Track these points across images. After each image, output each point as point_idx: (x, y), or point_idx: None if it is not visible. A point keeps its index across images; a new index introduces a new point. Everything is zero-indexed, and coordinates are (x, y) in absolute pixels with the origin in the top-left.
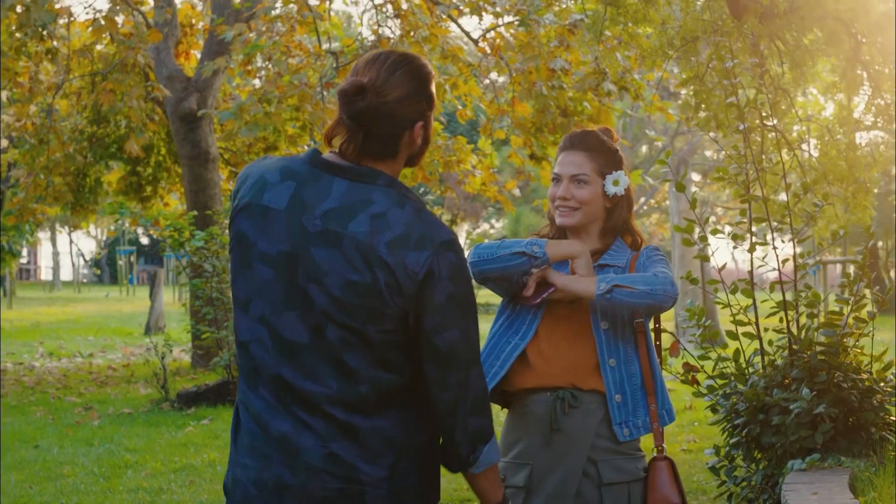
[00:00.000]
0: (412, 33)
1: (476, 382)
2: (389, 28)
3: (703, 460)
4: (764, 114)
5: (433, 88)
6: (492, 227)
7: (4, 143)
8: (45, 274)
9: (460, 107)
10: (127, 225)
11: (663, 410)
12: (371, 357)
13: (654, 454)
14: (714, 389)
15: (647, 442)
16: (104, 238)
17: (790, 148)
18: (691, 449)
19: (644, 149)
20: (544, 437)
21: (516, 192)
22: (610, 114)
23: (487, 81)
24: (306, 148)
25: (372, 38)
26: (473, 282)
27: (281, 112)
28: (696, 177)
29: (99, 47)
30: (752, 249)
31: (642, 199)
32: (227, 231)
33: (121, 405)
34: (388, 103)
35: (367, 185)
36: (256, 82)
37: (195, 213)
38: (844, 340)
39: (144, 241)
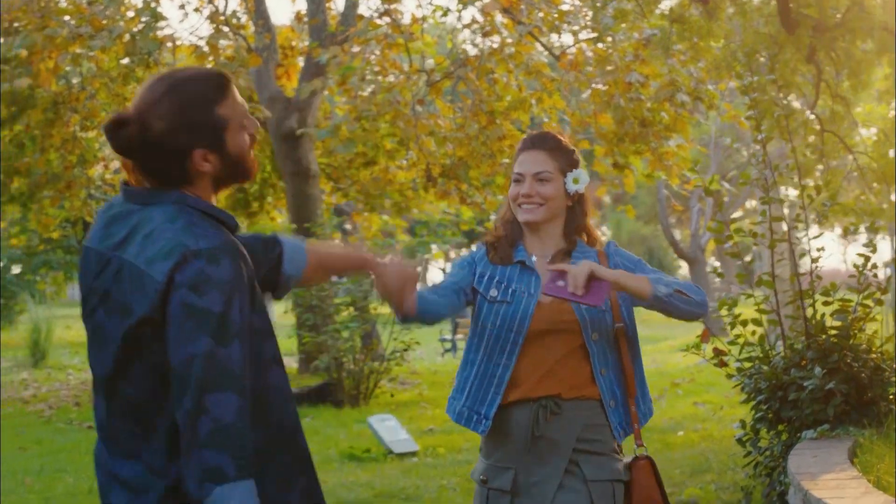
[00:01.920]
0: (500, 51)
1: (218, 412)
2: (477, 46)
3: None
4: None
5: (212, 112)
6: (603, 234)
7: (117, 164)
8: None
9: (546, 119)
10: None
11: (645, 408)
12: (139, 383)
13: (636, 454)
14: (741, 371)
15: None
16: None
17: (849, 151)
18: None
19: (744, 153)
20: (526, 442)
21: (606, 199)
22: (686, 123)
23: (582, 96)
24: (405, 162)
25: (462, 55)
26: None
27: (377, 128)
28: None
29: None
30: (772, 246)
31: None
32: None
33: None
34: (151, 136)
35: (153, 207)
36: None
37: (294, 225)
38: (856, 324)
39: None
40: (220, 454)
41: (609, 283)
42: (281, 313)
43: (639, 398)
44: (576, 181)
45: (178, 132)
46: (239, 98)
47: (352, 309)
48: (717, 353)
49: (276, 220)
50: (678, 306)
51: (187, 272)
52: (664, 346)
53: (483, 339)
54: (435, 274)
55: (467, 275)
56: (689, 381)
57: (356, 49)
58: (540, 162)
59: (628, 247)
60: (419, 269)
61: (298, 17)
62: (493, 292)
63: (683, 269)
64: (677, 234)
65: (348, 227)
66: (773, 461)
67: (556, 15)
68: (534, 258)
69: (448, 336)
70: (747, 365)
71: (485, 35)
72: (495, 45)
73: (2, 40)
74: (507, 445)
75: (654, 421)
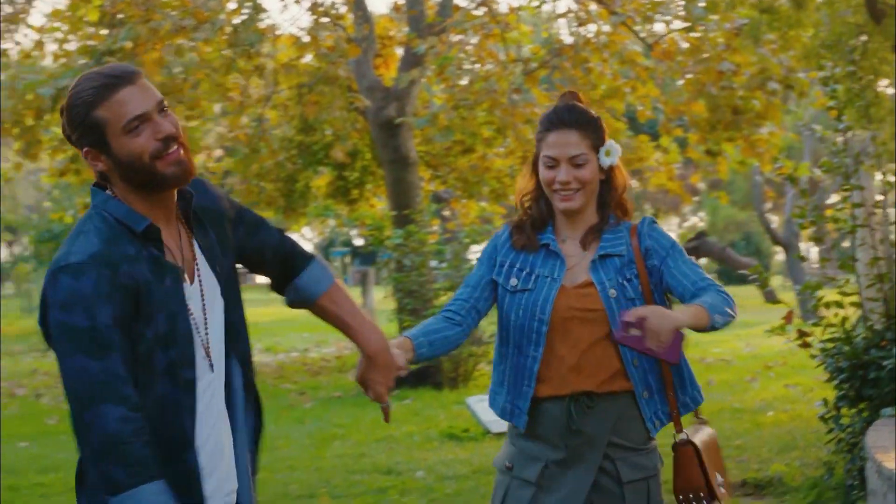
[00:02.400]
0: (594, 40)
1: (100, 424)
2: (572, 35)
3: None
4: None
5: (89, 114)
6: (701, 220)
7: (219, 152)
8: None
9: (640, 107)
10: (334, 226)
11: (686, 398)
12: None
13: (676, 440)
14: (825, 351)
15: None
16: (318, 240)
17: None
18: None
19: (839, 139)
20: (560, 437)
21: (701, 185)
22: (778, 110)
23: (676, 85)
24: (502, 150)
25: (557, 44)
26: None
27: (474, 117)
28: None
29: (305, 59)
30: (852, 230)
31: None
32: (424, 229)
33: (331, 390)
34: (65, 128)
35: (90, 207)
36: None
37: (394, 212)
38: None
39: (359, 242)
40: (111, 465)
41: (684, 333)
42: (381, 298)
43: (677, 386)
44: (608, 154)
45: (69, 129)
46: (133, 101)
47: (451, 293)
48: (801, 334)
49: (376, 207)
50: (722, 326)
51: (57, 289)
52: (759, 330)
53: (510, 331)
54: None
55: (486, 272)
56: (781, 364)
57: (454, 39)
58: (573, 144)
59: (724, 233)
60: (388, 405)
61: (397, 7)
62: (514, 281)
63: (780, 254)
64: (773, 220)
65: (447, 213)
66: (855, 437)
67: (648, 5)
68: (565, 237)
69: None
70: (830, 346)
71: (580, 24)
72: (590, 35)
73: (107, 32)
74: (540, 438)
75: (745, 402)
